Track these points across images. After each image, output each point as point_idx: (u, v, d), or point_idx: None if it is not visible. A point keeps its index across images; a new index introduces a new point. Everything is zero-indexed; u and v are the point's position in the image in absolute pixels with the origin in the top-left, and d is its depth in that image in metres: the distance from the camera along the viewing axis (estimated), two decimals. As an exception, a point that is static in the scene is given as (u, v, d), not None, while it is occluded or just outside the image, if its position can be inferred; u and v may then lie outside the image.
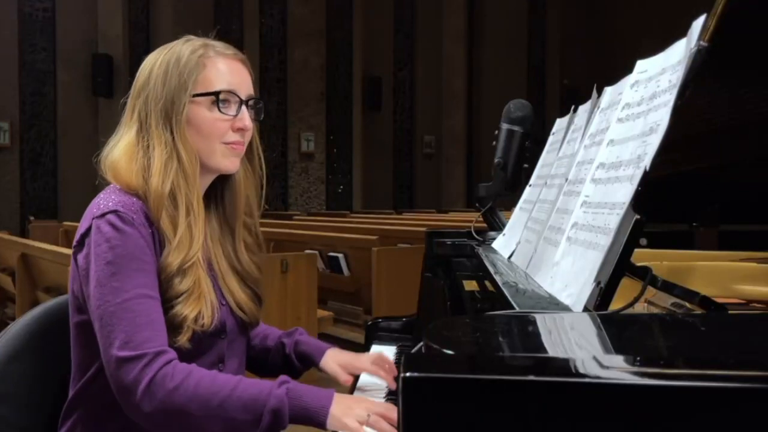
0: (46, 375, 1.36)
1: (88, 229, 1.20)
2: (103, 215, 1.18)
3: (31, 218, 9.21)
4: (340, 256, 5.04)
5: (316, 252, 4.83)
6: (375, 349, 1.77)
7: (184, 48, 1.27)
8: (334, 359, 1.41)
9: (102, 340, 1.15)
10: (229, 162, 1.28)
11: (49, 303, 1.42)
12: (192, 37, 1.31)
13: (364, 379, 1.47)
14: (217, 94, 1.25)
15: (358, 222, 7.51)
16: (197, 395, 1.10)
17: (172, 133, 1.24)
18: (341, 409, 1.09)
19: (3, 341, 1.34)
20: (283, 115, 12.34)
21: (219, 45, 1.30)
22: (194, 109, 1.25)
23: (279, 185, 12.38)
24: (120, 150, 1.26)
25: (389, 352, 1.71)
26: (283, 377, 1.14)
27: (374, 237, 5.06)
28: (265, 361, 1.47)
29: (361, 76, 13.10)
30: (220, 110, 1.25)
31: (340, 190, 13.09)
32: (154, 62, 1.28)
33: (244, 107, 1.28)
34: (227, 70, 1.28)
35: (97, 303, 1.16)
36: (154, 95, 1.25)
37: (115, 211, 1.18)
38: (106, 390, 1.19)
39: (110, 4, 10.58)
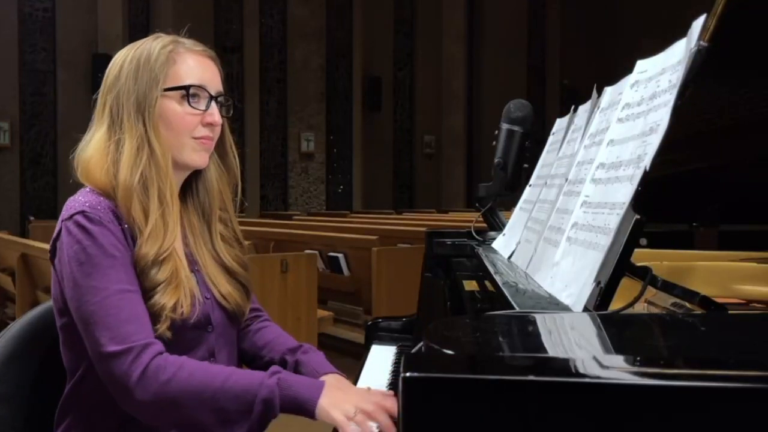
0: (45, 375, 1.36)
1: (59, 233, 1.21)
2: (70, 217, 1.19)
3: (31, 218, 9.20)
4: (340, 256, 5.04)
5: (316, 252, 4.83)
6: (375, 348, 1.77)
7: (154, 44, 1.29)
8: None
9: (88, 340, 1.16)
10: (198, 157, 1.30)
11: (49, 303, 1.42)
12: (161, 34, 1.33)
13: (364, 378, 1.47)
14: (187, 88, 1.27)
15: (358, 222, 7.51)
16: (190, 387, 1.11)
17: (144, 126, 1.25)
18: (330, 401, 1.10)
19: (3, 341, 1.34)
20: (283, 115, 12.35)
21: (188, 42, 1.32)
22: (165, 103, 1.26)
23: (279, 185, 12.39)
24: (92, 147, 1.27)
25: (389, 352, 1.71)
26: (274, 367, 1.16)
27: (374, 237, 5.06)
28: None
29: (361, 76, 13.11)
30: (190, 104, 1.27)
31: (340, 190, 13.09)
32: (124, 59, 1.29)
33: (213, 102, 1.30)
34: (197, 66, 1.30)
35: (77, 304, 1.16)
36: (125, 90, 1.26)
37: (81, 212, 1.19)
38: (96, 391, 1.19)
39: (110, 4, 10.59)
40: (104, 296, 1.14)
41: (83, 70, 10.58)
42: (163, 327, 1.19)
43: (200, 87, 1.28)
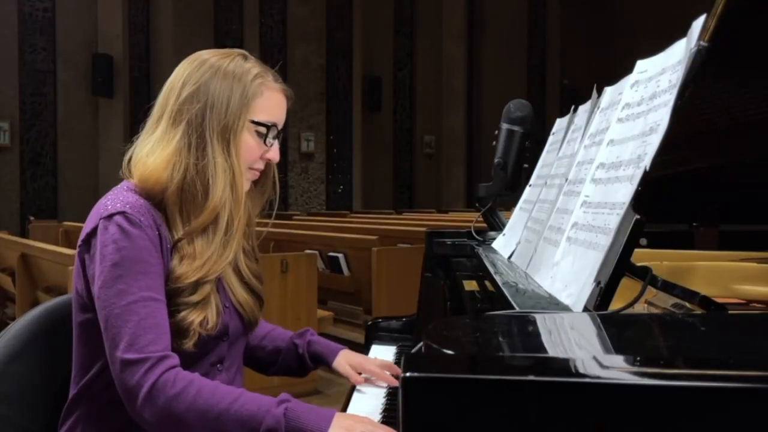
0: (46, 375, 1.36)
1: (95, 229, 1.19)
2: (110, 216, 1.18)
3: (31, 218, 9.20)
4: (340, 256, 5.04)
5: (316, 252, 4.83)
6: (375, 349, 1.77)
7: (245, 66, 1.28)
8: (346, 360, 1.44)
9: (107, 342, 1.15)
10: (246, 185, 1.31)
11: (49, 303, 1.42)
12: (246, 53, 1.32)
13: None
14: (268, 127, 1.29)
15: (358, 222, 7.51)
16: (196, 405, 1.09)
17: (229, 152, 1.25)
18: (339, 431, 1.06)
19: (3, 341, 1.34)
20: (283, 115, 12.33)
21: (271, 75, 1.32)
22: (244, 133, 1.27)
23: (279, 185, 12.37)
24: (161, 154, 1.23)
25: (389, 352, 1.71)
26: (284, 395, 1.12)
27: (374, 237, 5.06)
28: (275, 362, 1.48)
29: (361, 76, 13.10)
30: (264, 142, 1.29)
31: (340, 190, 13.09)
32: (213, 71, 1.26)
33: (276, 140, 1.32)
34: (278, 104, 1.31)
35: (103, 305, 1.15)
36: (217, 107, 1.24)
37: (122, 212, 1.18)
38: (108, 389, 1.19)
39: (110, 4, 10.58)
40: (130, 301, 1.14)
41: (83, 70, 10.57)
42: (190, 343, 1.19)
43: (275, 126, 1.30)
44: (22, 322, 1.38)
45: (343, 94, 12.99)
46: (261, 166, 1.32)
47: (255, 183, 1.37)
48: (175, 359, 1.14)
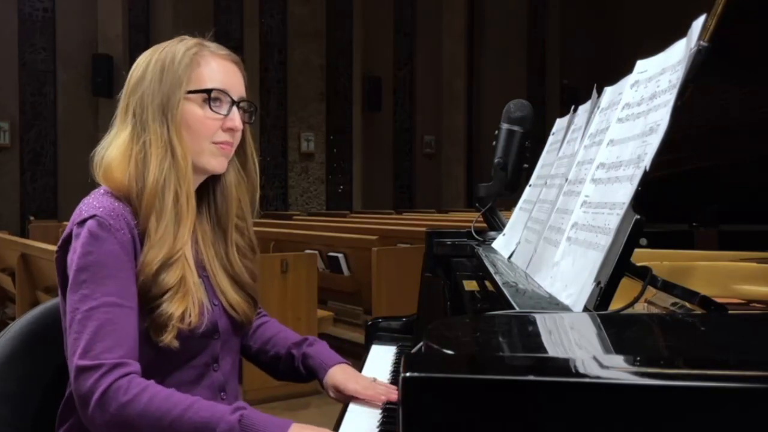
0: (46, 375, 1.36)
1: (70, 235, 1.20)
2: (83, 221, 1.18)
3: (31, 218, 9.21)
4: (340, 256, 5.04)
5: (316, 252, 4.83)
6: (375, 348, 1.77)
7: (179, 47, 1.28)
8: (333, 379, 1.34)
9: (67, 348, 1.15)
10: (217, 162, 1.29)
11: (49, 303, 1.42)
12: (186, 36, 1.32)
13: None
14: (209, 92, 1.26)
15: (358, 222, 7.52)
16: (148, 412, 1.08)
17: (168, 129, 1.24)
18: None
19: (3, 341, 1.34)
20: (283, 115, 12.34)
21: (213, 45, 1.31)
22: (187, 106, 1.25)
23: (279, 185, 12.38)
24: (115, 148, 1.25)
25: (389, 352, 1.71)
26: (239, 403, 1.11)
27: (374, 237, 5.06)
28: (277, 368, 1.45)
29: (361, 76, 13.11)
30: (211, 108, 1.26)
31: (340, 190, 13.09)
32: (149, 60, 1.28)
33: (234, 108, 1.29)
34: (220, 70, 1.29)
35: (68, 310, 1.15)
36: (150, 92, 1.25)
37: (94, 216, 1.17)
38: None
39: (110, 4, 10.59)
40: (91, 306, 1.13)
41: (83, 70, 10.57)
42: (169, 336, 1.17)
43: (222, 91, 1.27)
44: (22, 322, 1.38)
45: (343, 94, 12.99)
46: (226, 137, 1.28)
47: (242, 168, 1.36)
48: (131, 366, 1.12)
